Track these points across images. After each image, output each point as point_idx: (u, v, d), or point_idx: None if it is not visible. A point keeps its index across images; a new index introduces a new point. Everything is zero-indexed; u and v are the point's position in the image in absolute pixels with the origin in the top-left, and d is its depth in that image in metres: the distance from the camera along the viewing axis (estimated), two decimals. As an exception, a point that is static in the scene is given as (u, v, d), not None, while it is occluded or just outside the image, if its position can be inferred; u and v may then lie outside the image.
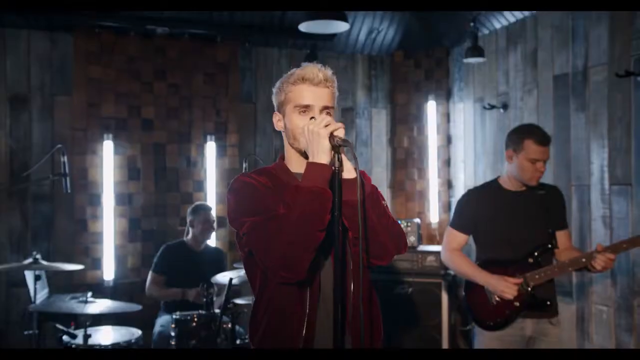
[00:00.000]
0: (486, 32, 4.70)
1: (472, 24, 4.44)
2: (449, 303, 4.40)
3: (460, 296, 4.95)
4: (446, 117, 5.30)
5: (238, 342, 3.07)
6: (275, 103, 1.86)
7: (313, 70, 1.75)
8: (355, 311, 1.69)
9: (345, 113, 5.35)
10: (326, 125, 1.62)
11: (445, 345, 4.35)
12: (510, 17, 4.43)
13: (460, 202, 2.95)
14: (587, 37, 3.81)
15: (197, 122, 4.83)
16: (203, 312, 3.21)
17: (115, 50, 4.58)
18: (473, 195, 2.94)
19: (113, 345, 3.22)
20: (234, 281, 3.16)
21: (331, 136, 1.62)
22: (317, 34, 4.47)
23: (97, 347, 3.18)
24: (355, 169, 1.62)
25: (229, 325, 3.16)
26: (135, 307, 3.16)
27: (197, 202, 4.39)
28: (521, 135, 2.82)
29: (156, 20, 4.54)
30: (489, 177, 4.75)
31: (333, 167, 1.61)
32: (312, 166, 1.63)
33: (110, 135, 4.55)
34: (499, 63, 4.63)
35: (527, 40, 4.34)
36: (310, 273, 1.67)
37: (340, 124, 1.65)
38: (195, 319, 3.21)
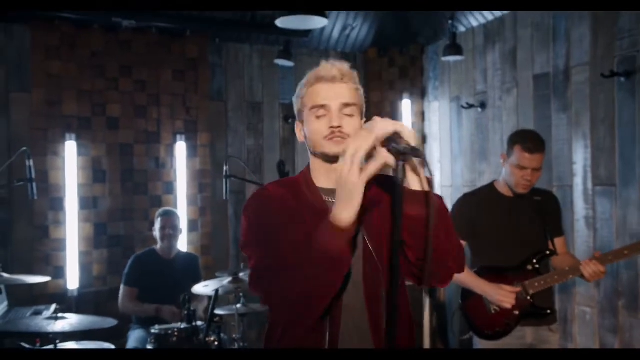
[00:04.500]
0: (463, 30, 4.64)
1: (450, 21, 4.37)
2: (430, 305, 4.34)
3: (439, 298, 4.90)
4: (421, 116, 5.23)
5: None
6: (295, 112, 1.67)
7: (326, 66, 1.57)
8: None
9: (319, 111, 5.20)
10: (352, 167, 1.31)
11: (426, 347, 4.28)
12: (489, 15, 4.38)
13: (455, 207, 2.85)
14: (569, 36, 3.79)
15: (166, 120, 4.59)
16: (184, 325, 3.01)
17: (76, 44, 4.29)
18: (468, 199, 2.85)
19: (85, 363, 2.97)
20: (212, 292, 2.99)
21: (393, 140, 1.33)
22: (290, 30, 4.30)
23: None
24: (430, 180, 1.39)
25: (213, 339, 2.98)
26: (110, 321, 2.92)
27: (161, 209, 4.18)
28: (513, 140, 2.73)
29: (121, 12, 4.27)
30: (467, 177, 4.72)
31: (396, 179, 1.34)
32: (330, 228, 1.34)
33: (73, 136, 4.27)
34: (477, 62, 4.58)
35: (505, 38, 4.30)
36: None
37: (399, 124, 1.37)
38: (176, 333, 3.00)
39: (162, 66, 4.58)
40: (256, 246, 1.50)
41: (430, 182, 1.40)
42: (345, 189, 1.32)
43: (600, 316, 3.62)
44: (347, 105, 1.56)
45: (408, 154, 1.32)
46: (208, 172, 4.74)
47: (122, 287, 3.82)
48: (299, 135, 1.66)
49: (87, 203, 4.33)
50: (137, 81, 4.51)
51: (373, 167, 1.32)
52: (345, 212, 1.32)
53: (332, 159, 1.55)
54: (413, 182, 1.43)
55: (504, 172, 2.76)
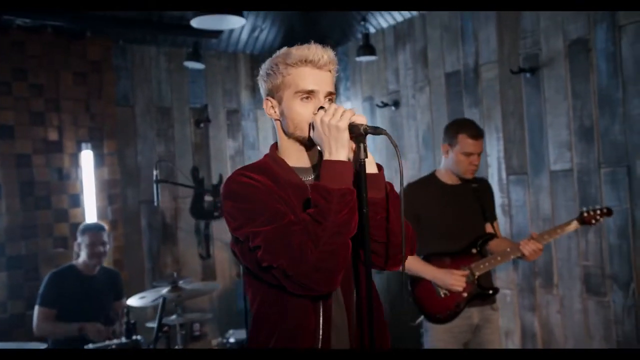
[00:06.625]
0: (373, 31, 4.76)
1: (362, 22, 4.47)
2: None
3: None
4: (332, 117, 5.27)
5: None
6: (265, 87, 1.61)
7: (317, 51, 1.54)
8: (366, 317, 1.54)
9: (231, 115, 5.07)
10: (342, 115, 1.44)
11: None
12: (398, 16, 4.53)
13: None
14: (477, 36, 4.02)
15: (68, 128, 4.24)
16: (123, 340, 2.77)
17: (-40, 44, 3.84)
18: (412, 189, 2.90)
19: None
20: (152, 302, 2.79)
21: (354, 125, 1.44)
22: (199, 31, 4.15)
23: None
24: (398, 157, 1.43)
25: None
26: (35, 345, 2.61)
27: (86, 222, 3.86)
28: (455, 130, 2.85)
29: (12, 10, 3.87)
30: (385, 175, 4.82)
31: (360, 160, 1.44)
32: (334, 165, 1.44)
33: (-41, 147, 3.80)
34: (388, 62, 4.72)
35: (415, 39, 4.47)
36: None
37: (354, 110, 1.48)
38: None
39: (61, 69, 4.22)
40: (258, 222, 1.44)
41: (398, 152, 1.44)
42: (332, 132, 1.43)
43: (520, 296, 3.86)
44: (331, 93, 1.58)
45: (371, 134, 1.43)
46: (118, 182, 4.43)
47: (37, 308, 3.43)
48: (271, 112, 1.62)
49: (-20, 222, 3.87)
50: (33, 85, 4.13)
51: (349, 113, 1.44)
52: (341, 149, 1.43)
53: (309, 143, 1.57)
54: (367, 165, 1.47)
55: (447, 162, 2.86)
